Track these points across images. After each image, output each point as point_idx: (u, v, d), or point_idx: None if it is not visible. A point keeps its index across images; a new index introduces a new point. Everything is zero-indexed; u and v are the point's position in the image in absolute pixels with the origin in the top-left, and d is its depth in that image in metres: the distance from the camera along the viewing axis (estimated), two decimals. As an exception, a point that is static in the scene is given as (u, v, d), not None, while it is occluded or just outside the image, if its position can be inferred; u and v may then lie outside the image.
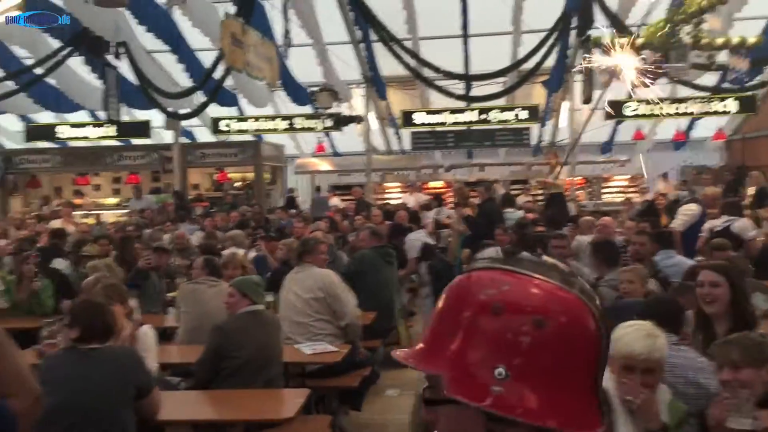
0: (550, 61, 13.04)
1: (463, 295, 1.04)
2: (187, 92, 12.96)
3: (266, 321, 4.56)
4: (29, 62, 13.08)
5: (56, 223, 10.73)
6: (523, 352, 0.99)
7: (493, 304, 1.00)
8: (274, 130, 16.08)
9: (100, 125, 15.93)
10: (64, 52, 12.18)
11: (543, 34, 12.32)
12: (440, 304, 1.07)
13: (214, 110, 15.09)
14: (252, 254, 7.98)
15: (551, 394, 0.99)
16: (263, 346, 4.39)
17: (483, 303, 1.01)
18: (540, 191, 14.85)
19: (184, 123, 15.74)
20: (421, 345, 1.06)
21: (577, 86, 13.67)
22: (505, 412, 0.98)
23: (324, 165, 18.08)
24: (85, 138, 16.51)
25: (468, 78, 14.03)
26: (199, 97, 13.37)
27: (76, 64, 13.25)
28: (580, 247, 6.95)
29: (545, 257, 5.18)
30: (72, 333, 3.44)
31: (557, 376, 1.00)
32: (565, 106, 15.62)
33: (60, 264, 7.07)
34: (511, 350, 0.99)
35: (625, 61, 6.70)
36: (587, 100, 11.91)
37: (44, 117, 16.32)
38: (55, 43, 12.29)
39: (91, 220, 13.92)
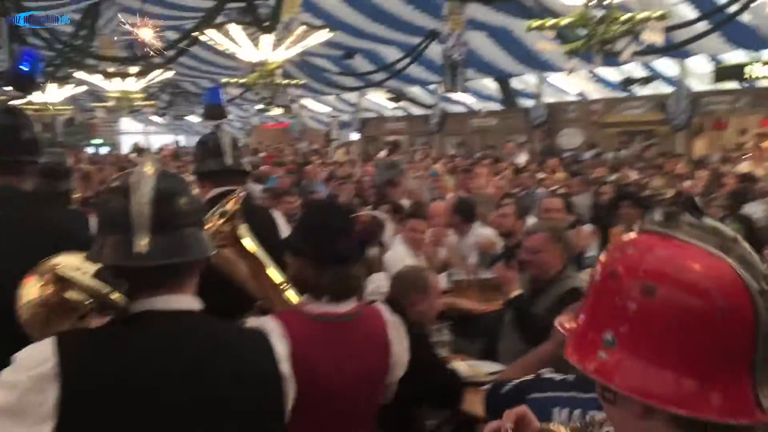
0: None
1: (602, 258, 1.03)
2: None
3: None
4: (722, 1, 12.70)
5: (744, 167, 10.30)
6: (630, 319, 0.94)
7: (611, 268, 0.98)
8: None
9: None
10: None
11: None
12: None
13: None
14: None
15: (662, 370, 0.91)
16: None
17: (605, 266, 1.00)
18: None
19: None
20: None
21: None
22: (602, 380, 0.95)
23: None
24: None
25: None
26: None
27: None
28: None
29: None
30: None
31: (674, 352, 0.90)
32: None
33: (752, 209, 6.69)
34: (619, 316, 0.95)
35: None
36: None
37: (734, 56, 15.79)
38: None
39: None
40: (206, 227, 1.78)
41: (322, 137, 25.77)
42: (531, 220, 5.26)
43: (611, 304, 0.95)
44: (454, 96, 18.97)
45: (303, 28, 11.94)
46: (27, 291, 1.63)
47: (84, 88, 19.00)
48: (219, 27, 11.24)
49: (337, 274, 2.09)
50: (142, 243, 1.44)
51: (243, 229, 2.31)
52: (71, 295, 1.58)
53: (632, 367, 0.92)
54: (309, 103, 25.48)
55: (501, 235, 5.28)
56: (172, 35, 15.50)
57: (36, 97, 18.72)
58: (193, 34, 10.93)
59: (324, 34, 12.49)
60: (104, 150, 27.85)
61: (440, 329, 3.60)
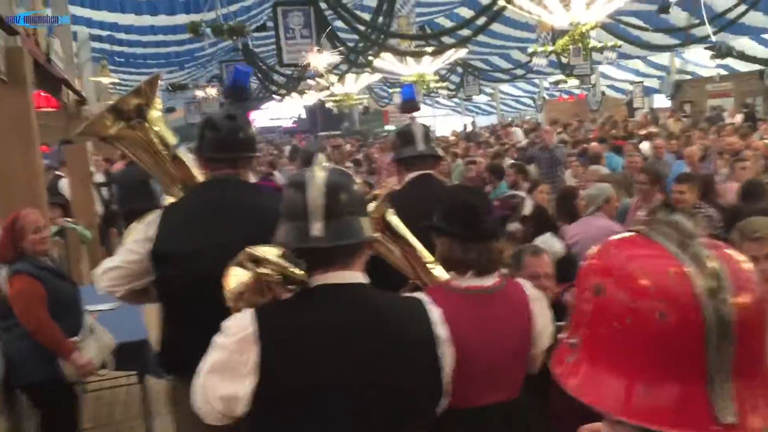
0: None
1: None
2: None
3: None
4: None
5: None
6: (587, 322, 0.88)
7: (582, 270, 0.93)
8: None
9: None
10: None
11: None
12: None
13: None
14: None
15: (613, 375, 0.82)
16: None
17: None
18: None
19: None
20: None
21: None
22: (563, 385, 0.87)
23: None
24: None
25: None
26: None
27: None
28: None
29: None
30: None
31: (623, 355, 0.81)
32: None
33: None
34: (581, 319, 0.89)
35: None
36: None
37: None
38: None
39: None
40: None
41: (621, 107, 23.31)
42: None
43: (579, 307, 0.91)
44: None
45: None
46: (230, 279, 1.88)
47: (378, 76, 19.13)
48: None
49: (481, 249, 2.27)
50: (317, 228, 1.77)
51: (390, 214, 2.57)
52: (263, 270, 1.82)
53: (589, 373, 0.86)
54: (607, 69, 23.14)
55: None
56: (467, 13, 14.67)
57: (338, 89, 19.33)
58: (500, 3, 9.72)
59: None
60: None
61: None
